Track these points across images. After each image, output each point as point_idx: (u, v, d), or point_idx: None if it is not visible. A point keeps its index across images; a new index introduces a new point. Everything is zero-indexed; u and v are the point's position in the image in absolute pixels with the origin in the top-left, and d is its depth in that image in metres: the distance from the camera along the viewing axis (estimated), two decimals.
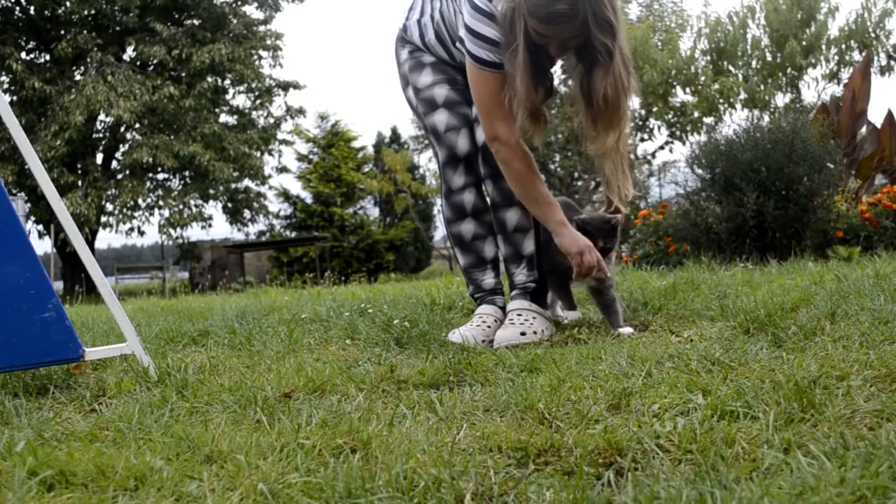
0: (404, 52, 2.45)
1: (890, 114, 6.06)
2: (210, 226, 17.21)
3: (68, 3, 15.61)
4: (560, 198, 2.42)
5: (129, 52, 16.41)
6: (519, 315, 2.26)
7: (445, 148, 2.36)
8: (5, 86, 15.08)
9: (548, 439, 1.15)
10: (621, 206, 2.28)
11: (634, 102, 17.13)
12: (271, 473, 1.05)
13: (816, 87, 13.41)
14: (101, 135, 16.79)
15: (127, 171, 16.03)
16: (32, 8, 15.79)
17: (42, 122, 15.01)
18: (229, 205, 18.32)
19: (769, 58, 12.76)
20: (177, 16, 16.88)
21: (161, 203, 16.21)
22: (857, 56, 12.43)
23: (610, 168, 2.22)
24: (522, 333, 2.18)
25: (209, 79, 16.27)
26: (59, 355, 1.79)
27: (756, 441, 1.09)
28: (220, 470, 1.10)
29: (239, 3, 17.64)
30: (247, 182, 18.44)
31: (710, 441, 1.10)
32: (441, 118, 2.35)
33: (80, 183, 15.23)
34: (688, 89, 13.67)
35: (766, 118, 9.37)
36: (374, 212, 24.20)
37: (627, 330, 2.19)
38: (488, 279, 2.41)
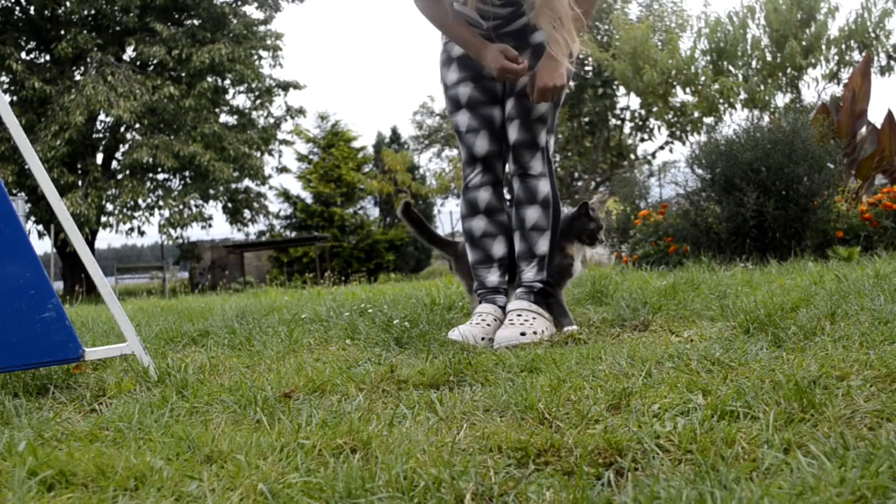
0: (441, 43, 2.51)
1: (890, 114, 6.06)
2: (210, 226, 17.21)
3: (68, 3, 15.60)
4: None
5: (129, 52, 16.40)
6: (519, 315, 2.27)
7: (466, 147, 2.44)
8: (5, 86, 15.07)
9: (548, 439, 1.15)
10: (568, 63, 2.26)
11: (634, 102, 17.17)
12: (271, 473, 1.05)
13: (816, 87, 13.39)
14: (101, 135, 16.78)
15: (127, 171, 16.02)
16: (32, 8, 15.78)
17: (42, 122, 15.00)
18: (229, 205, 18.30)
19: (769, 58, 12.76)
20: (177, 16, 16.86)
21: (161, 203, 16.19)
22: (857, 56, 12.43)
23: (546, 22, 2.20)
24: (522, 333, 2.19)
25: (209, 79, 16.25)
26: (59, 355, 1.79)
27: (756, 441, 1.09)
28: (220, 470, 1.10)
29: (239, 3, 17.63)
30: (247, 182, 18.42)
31: (710, 441, 1.10)
32: (463, 119, 2.42)
33: (80, 183, 15.22)
34: (688, 89, 13.67)
35: (766, 118, 9.37)
36: (374, 212, 24.18)
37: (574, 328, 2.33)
38: (492, 277, 2.43)
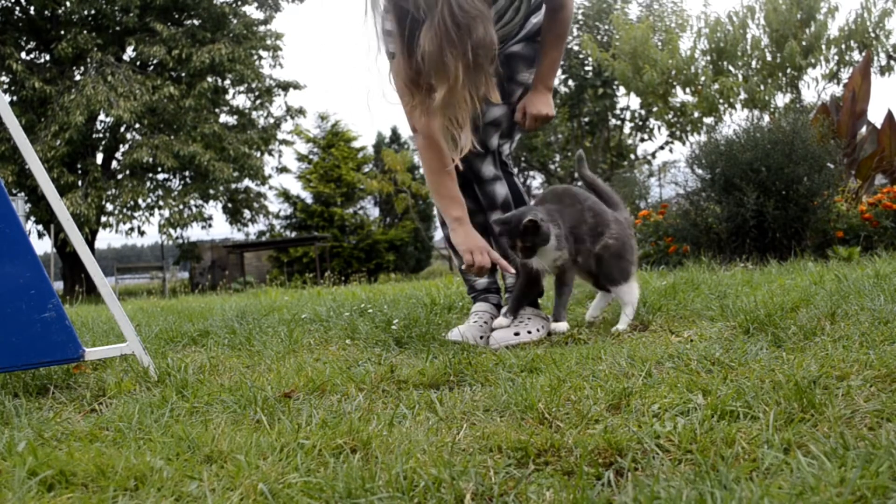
0: None
1: (890, 114, 6.06)
2: (210, 226, 17.21)
3: (68, 3, 15.59)
4: (560, 186, 2.41)
5: (129, 52, 16.39)
6: None
7: None
8: (5, 86, 15.06)
9: (548, 439, 1.15)
10: (456, 158, 2.12)
11: (634, 102, 17.15)
12: (271, 473, 1.05)
13: (816, 87, 13.37)
14: (101, 135, 16.76)
15: (127, 171, 16.02)
16: (32, 8, 15.77)
17: (42, 122, 14.99)
18: (229, 205, 18.31)
19: (769, 58, 12.74)
20: (177, 16, 16.86)
21: (161, 203, 16.19)
22: (857, 56, 12.42)
23: (441, 125, 2.07)
24: (516, 333, 2.21)
25: (209, 79, 16.24)
26: (59, 355, 1.79)
27: (756, 441, 1.09)
28: (220, 470, 1.10)
29: (239, 3, 17.63)
30: (247, 182, 18.42)
31: (710, 441, 1.10)
32: None
33: (80, 183, 15.22)
34: (688, 89, 13.65)
35: (766, 118, 9.36)
36: (374, 212, 24.18)
37: (562, 326, 2.21)
38: (480, 280, 2.45)
